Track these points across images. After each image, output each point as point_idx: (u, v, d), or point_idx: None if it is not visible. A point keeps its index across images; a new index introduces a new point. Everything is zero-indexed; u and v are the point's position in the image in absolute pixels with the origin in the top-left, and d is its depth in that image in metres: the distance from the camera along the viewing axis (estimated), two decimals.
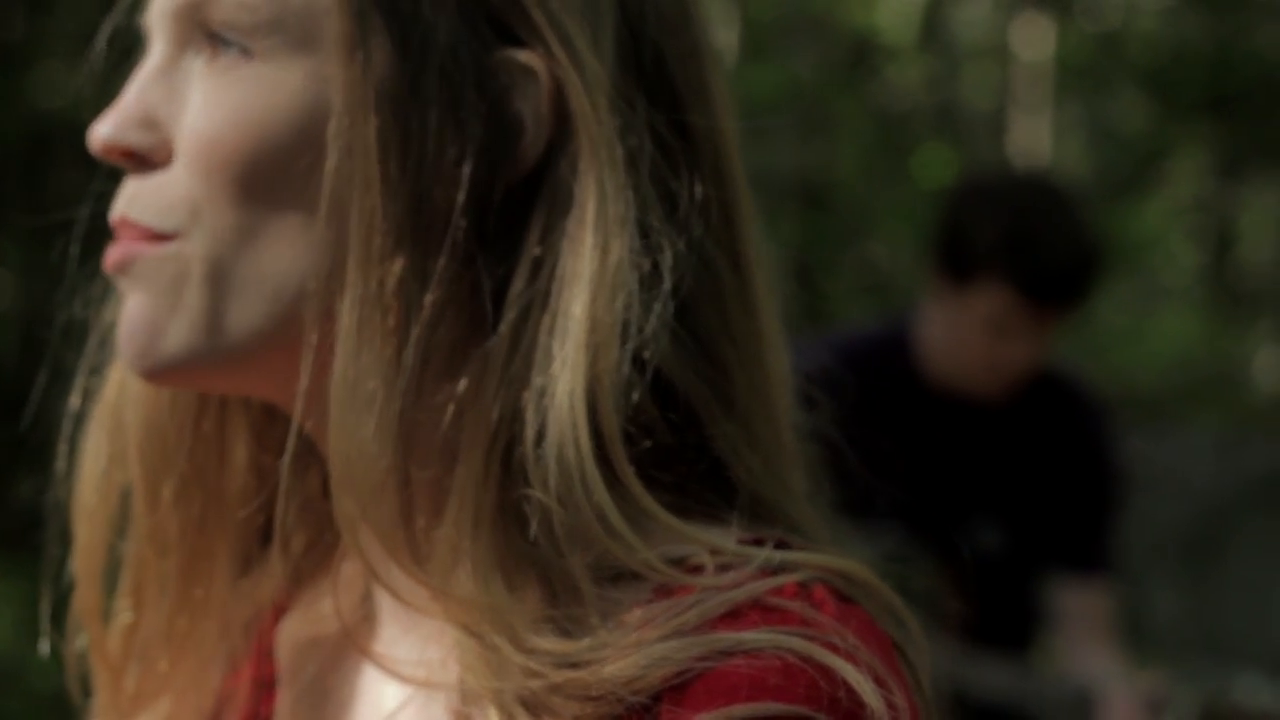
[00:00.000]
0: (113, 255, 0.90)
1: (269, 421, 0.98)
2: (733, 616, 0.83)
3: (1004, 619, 3.43)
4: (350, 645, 0.97)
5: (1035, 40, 13.97)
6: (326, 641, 0.99)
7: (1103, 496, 3.38)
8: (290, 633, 1.02)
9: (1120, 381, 13.71)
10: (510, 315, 0.85)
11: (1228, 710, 2.94)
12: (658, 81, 0.89)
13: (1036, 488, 3.34)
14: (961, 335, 3.17)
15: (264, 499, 0.99)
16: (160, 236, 0.88)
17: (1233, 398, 14.22)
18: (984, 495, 3.36)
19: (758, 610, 0.83)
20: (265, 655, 1.03)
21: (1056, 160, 15.11)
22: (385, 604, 0.95)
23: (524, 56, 0.86)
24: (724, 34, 10.03)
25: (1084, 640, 3.34)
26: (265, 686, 1.02)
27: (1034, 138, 14.02)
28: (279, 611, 1.04)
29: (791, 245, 9.74)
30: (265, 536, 1.01)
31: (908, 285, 12.95)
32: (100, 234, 0.93)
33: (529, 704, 0.82)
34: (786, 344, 0.96)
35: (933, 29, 9.17)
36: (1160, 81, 12.29)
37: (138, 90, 0.90)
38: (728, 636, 0.81)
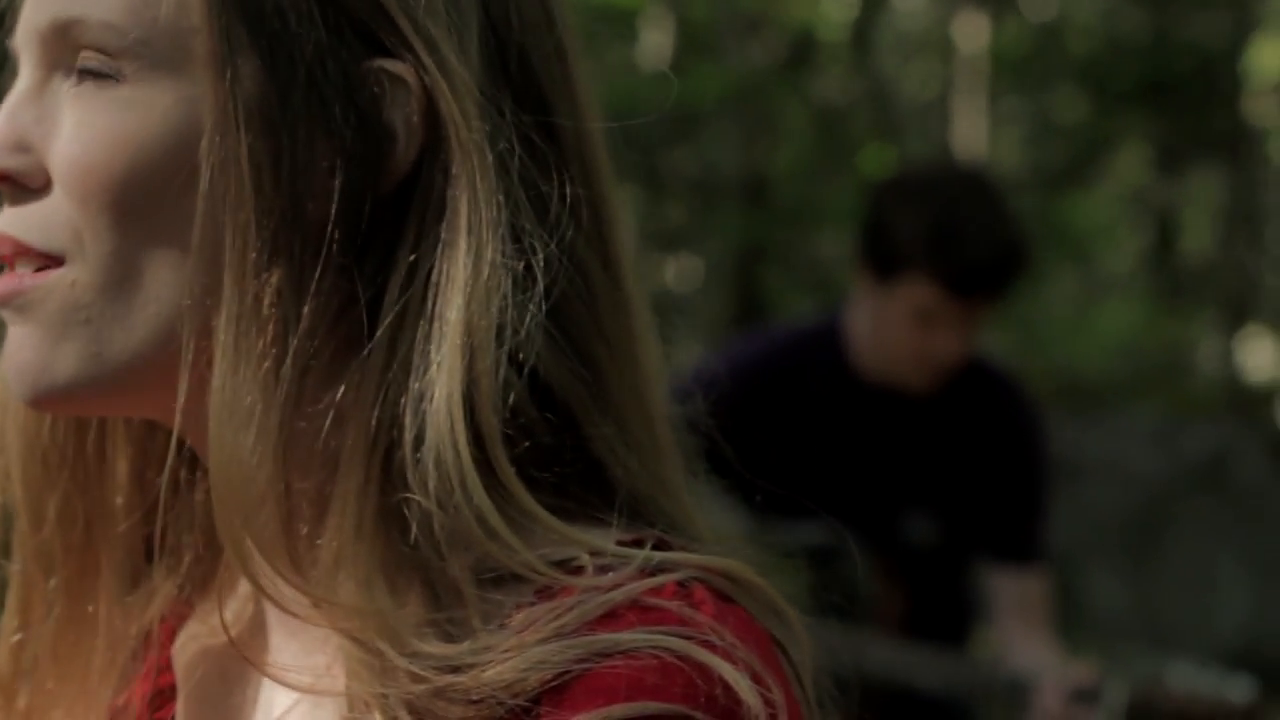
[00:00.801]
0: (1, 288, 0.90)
1: (151, 436, 0.98)
2: (611, 618, 0.83)
3: (938, 610, 3.45)
4: (242, 655, 0.96)
5: (972, 33, 14.03)
6: (221, 652, 0.99)
7: (1034, 486, 3.39)
8: (186, 644, 1.02)
9: (1064, 370, 13.79)
10: (387, 323, 0.85)
11: (1161, 697, 2.96)
12: (524, 85, 0.89)
13: (968, 479, 3.35)
14: (888, 329, 3.19)
15: (149, 513, 0.99)
16: (46, 258, 0.88)
17: (1176, 385, 14.30)
18: (916, 487, 3.37)
19: (636, 611, 0.83)
20: (163, 667, 1.02)
21: (995, 153, 15.20)
22: (273, 613, 0.94)
23: (392, 66, 0.86)
24: (659, 35, 10.05)
25: (1019, 630, 3.34)
26: (163, 698, 1.02)
27: (972, 131, 14.09)
28: (176, 623, 1.04)
29: (735, 242, 9.77)
30: (154, 550, 1.02)
31: (849, 280, 13.00)
32: None
33: (413, 709, 0.82)
34: (657, 341, 0.96)
35: (871, 24, 9.22)
36: (1096, 72, 12.34)
37: (8, 114, 0.90)
38: (606, 638, 0.81)
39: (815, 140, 12.02)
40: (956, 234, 3.07)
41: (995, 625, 3.42)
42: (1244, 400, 14.10)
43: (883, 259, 3.17)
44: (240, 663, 0.96)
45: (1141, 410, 7.99)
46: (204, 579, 1.02)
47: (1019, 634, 3.33)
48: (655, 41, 10.00)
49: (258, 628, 0.97)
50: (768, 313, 11.72)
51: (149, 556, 1.02)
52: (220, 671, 0.99)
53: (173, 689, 1.01)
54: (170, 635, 1.03)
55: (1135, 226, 19.07)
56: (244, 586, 0.97)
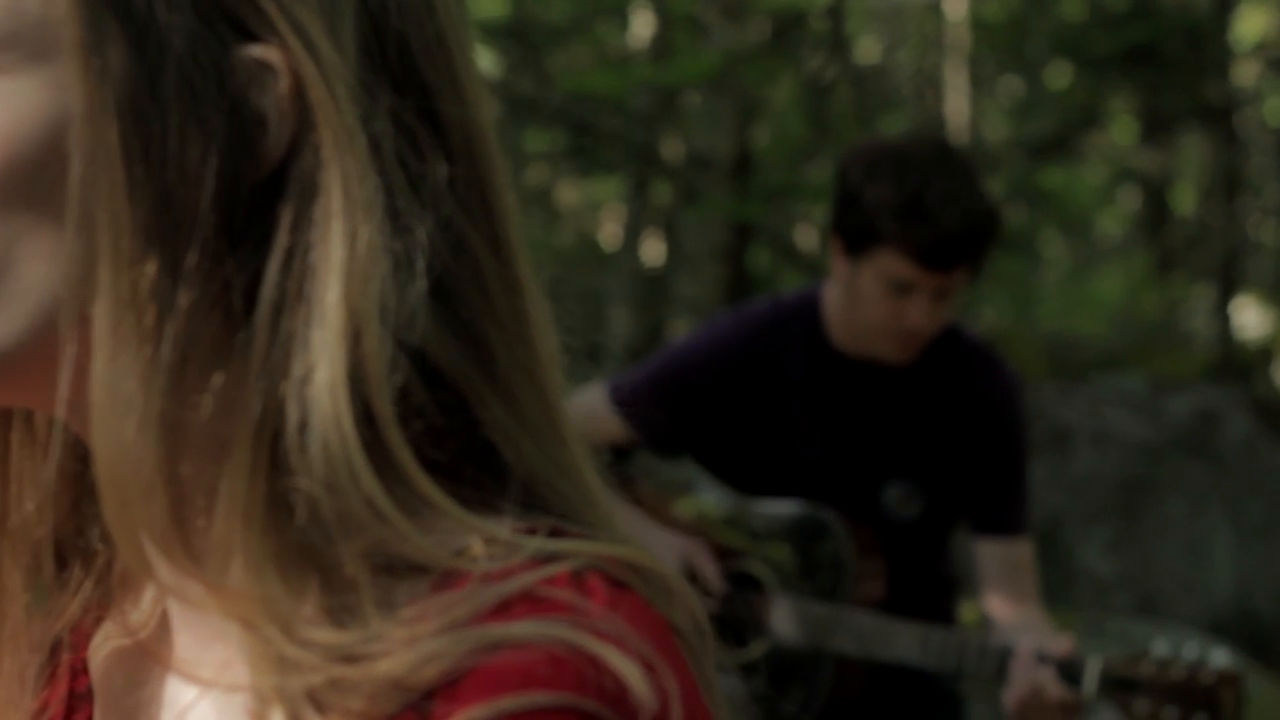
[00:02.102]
0: None
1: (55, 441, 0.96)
2: (503, 609, 0.82)
3: (919, 583, 3.46)
4: (153, 652, 0.97)
5: (956, 4, 14.04)
6: (134, 651, 0.98)
7: (1014, 456, 3.38)
8: (101, 645, 1.01)
9: (1055, 338, 13.80)
10: (265, 308, 0.85)
11: (1139, 668, 2.97)
12: (403, 71, 0.89)
13: (948, 450, 3.36)
14: (862, 301, 3.20)
15: (56, 516, 0.99)
16: None
17: (1167, 350, 14.30)
18: (896, 459, 3.38)
19: (527, 601, 0.82)
20: (78, 670, 1.02)
21: (981, 123, 15.20)
22: (176, 609, 0.94)
23: (261, 51, 0.86)
24: (644, 20, 10.06)
25: (1005, 602, 3.35)
26: (81, 699, 1.01)
27: (956, 100, 14.11)
28: (92, 625, 1.02)
29: (726, 222, 9.79)
30: (61, 553, 1.02)
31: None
32: None
33: (315, 701, 0.82)
34: (552, 324, 0.96)
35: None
36: (1080, 40, 12.35)
37: None
38: (496, 630, 0.81)
39: (801, 119, 12.05)
40: (926, 205, 3.07)
41: (981, 597, 3.40)
42: (1234, 364, 14.14)
43: (854, 232, 3.18)
44: (147, 660, 0.97)
45: (1130, 376, 7.99)
46: (118, 579, 1.02)
47: (1005, 606, 3.34)
48: (642, 25, 10.01)
49: (165, 625, 0.96)
50: (757, 291, 11.78)
51: (63, 557, 1.01)
52: (133, 671, 0.98)
53: (89, 691, 1.01)
54: (87, 637, 1.02)
55: (1124, 194, 19.08)
56: (152, 586, 0.97)
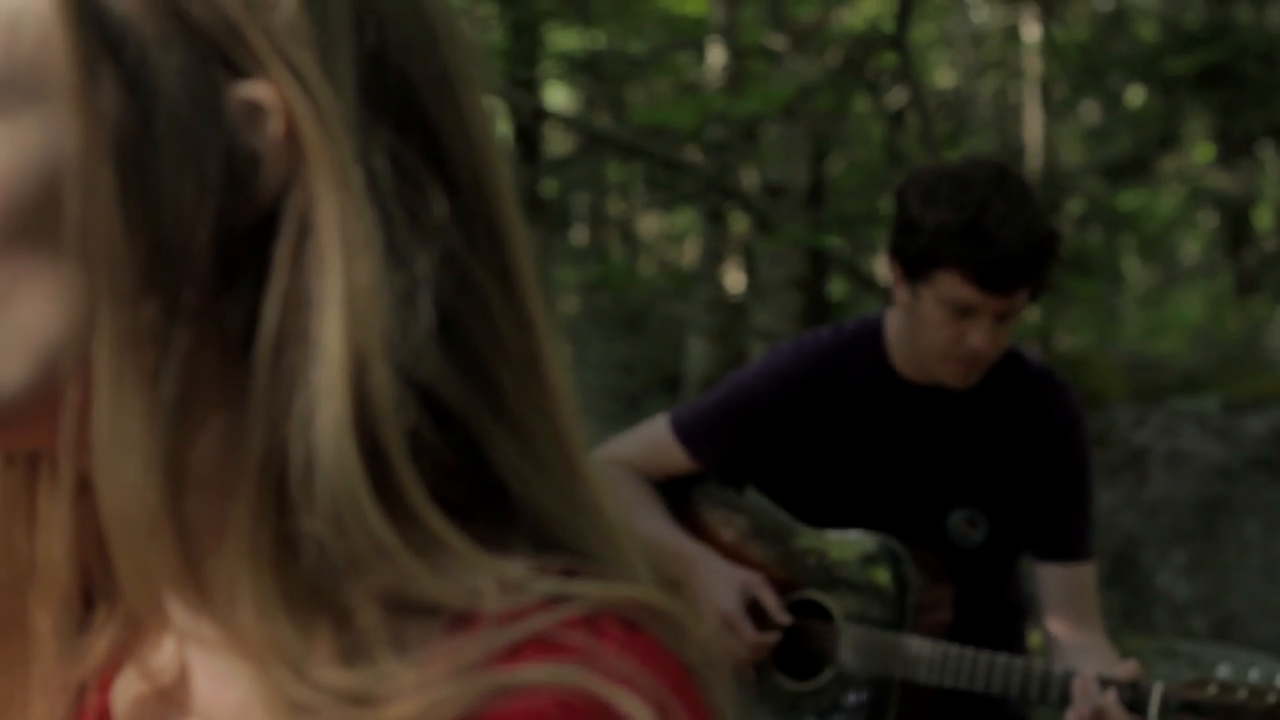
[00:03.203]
0: None
1: (79, 484, 0.95)
2: (515, 653, 0.81)
3: (985, 610, 3.44)
4: (173, 696, 0.96)
5: (1031, 28, 14.01)
6: (153, 694, 0.98)
7: (1077, 482, 3.35)
8: (124, 688, 1.00)
9: (1135, 359, 13.70)
10: (264, 347, 0.84)
11: (1204, 692, 2.95)
12: (405, 108, 0.88)
13: (1011, 476, 3.34)
14: (923, 326, 3.19)
15: (83, 559, 0.98)
16: None
17: (1246, 372, 14.17)
18: (960, 485, 3.37)
19: (539, 645, 0.81)
20: (101, 714, 1.00)
21: (1058, 146, 15.13)
22: (193, 652, 0.93)
23: (255, 90, 0.85)
24: (717, 54, 10.08)
25: (1069, 629, 3.34)
26: None
27: (1031, 124, 14.06)
28: (114, 668, 1.01)
29: (802, 250, 9.80)
30: (88, 595, 1.00)
31: None
32: None
33: None
34: (566, 361, 0.95)
35: (911, 24, 9.27)
36: (1157, 61, 12.29)
37: None
38: (508, 674, 0.79)
39: (876, 147, 12.04)
40: (985, 228, 3.04)
41: (1043, 622, 3.38)
42: None
43: (913, 256, 3.15)
44: (167, 704, 0.96)
45: (1208, 397, 7.94)
46: (140, 623, 1.00)
47: (1068, 631, 3.32)
48: (715, 56, 10.03)
49: (184, 668, 0.95)
50: (835, 319, 11.77)
51: (85, 600, 1.00)
52: (150, 714, 0.97)
53: None
54: (110, 680, 1.01)
55: (1204, 215, 18.93)
56: (172, 628, 0.96)
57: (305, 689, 0.81)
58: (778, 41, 9.22)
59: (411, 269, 0.85)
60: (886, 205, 10.89)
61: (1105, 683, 2.99)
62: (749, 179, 10.38)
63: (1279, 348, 16.59)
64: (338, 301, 0.83)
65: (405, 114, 0.88)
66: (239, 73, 0.85)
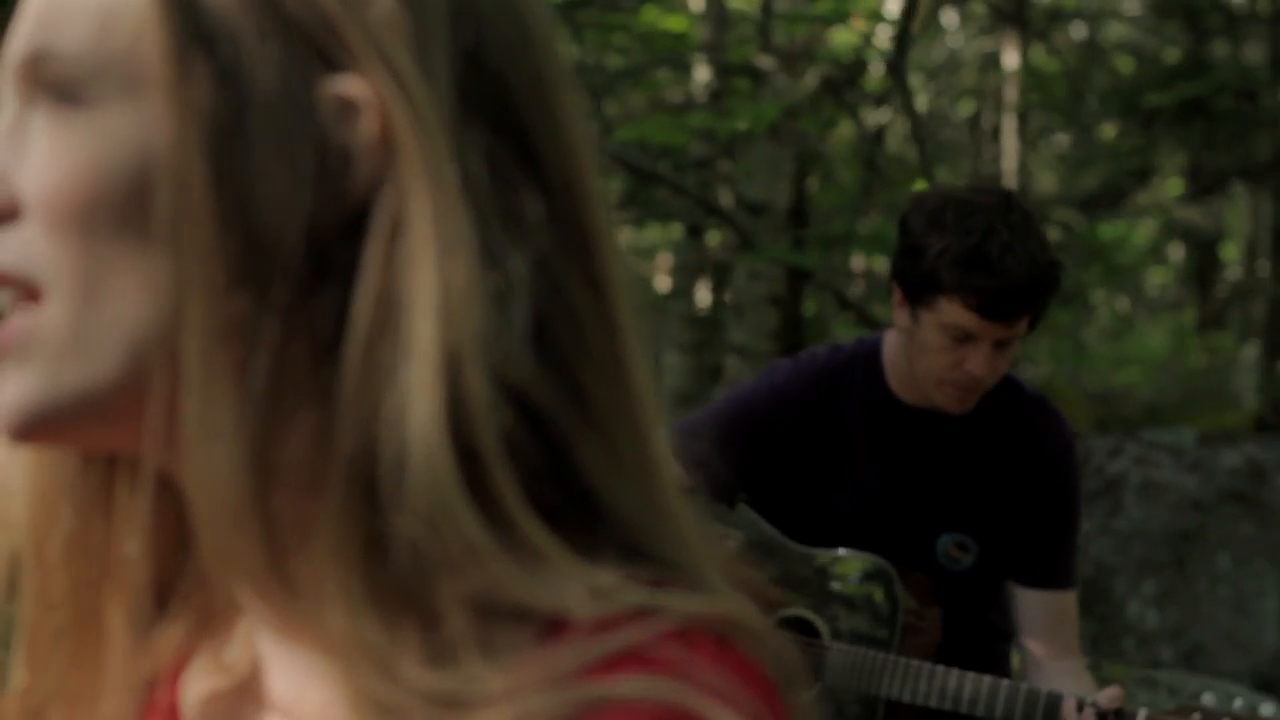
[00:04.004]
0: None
1: (158, 482, 0.94)
2: (609, 665, 0.79)
3: (973, 632, 3.46)
4: (249, 693, 0.95)
5: (1008, 57, 14.07)
6: (227, 690, 0.97)
7: (1069, 510, 3.37)
8: (194, 684, 1.00)
9: (1101, 391, 13.77)
10: (354, 344, 0.82)
11: None
12: (500, 110, 0.87)
13: (1001, 502, 3.35)
14: (922, 350, 3.19)
15: (158, 556, 0.97)
16: (22, 286, 0.87)
17: (1213, 405, 14.24)
18: (952, 509, 3.38)
19: (633, 658, 0.79)
20: (169, 708, 1.00)
21: (1031, 176, 15.18)
22: (272, 648, 0.92)
23: (350, 84, 0.84)
24: (703, 70, 10.10)
25: (1047, 655, 3.36)
26: None
27: (1008, 151, 14.11)
28: (182, 662, 1.01)
29: (781, 269, 9.83)
30: (161, 592, 0.99)
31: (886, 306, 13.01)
32: None
33: None
34: (651, 368, 0.93)
35: (906, 51, 9.31)
36: (1131, 93, 12.35)
37: None
38: (602, 687, 0.78)
39: (855, 168, 12.07)
40: (989, 256, 3.04)
41: (1023, 649, 3.40)
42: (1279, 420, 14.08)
43: (915, 281, 3.15)
44: (242, 700, 0.96)
45: (1178, 430, 7.99)
46: (209, 617, 1.00)
47: (1048, 657, 3.34)
48: (701, 73, 10.05)
49: (262, 664, 0.95)
50: (809, 337, 11.79)
51: (159, 597, 1.00)
52: (230, 710, 0.97)
53: None
54: (177, 674, 1.01)
55: (1172, 249, 19.01)
56: (247, 624, 0.97)
57: (392, 689, 0.80)
58: (766, 61, 9.25)
59: (505, 270, 0.84)
60: (863, 226, 10.95)
61: (1092, 707, 3.01)
62: (725, 197, 10.40)
63: (1242, 383, 16.67)
64: (431, 301, 0.82)
65: (500, 114, 0.87)
66: (333, 68, 0.85)
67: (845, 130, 12.06)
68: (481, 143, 0.86)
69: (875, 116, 11.87)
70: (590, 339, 0.88)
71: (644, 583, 0.84)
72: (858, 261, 13.52)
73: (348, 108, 0.85)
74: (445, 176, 0.83)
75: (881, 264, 13.87)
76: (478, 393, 0.82)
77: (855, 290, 11.94)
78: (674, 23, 12.11)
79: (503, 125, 0.87)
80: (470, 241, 0.83)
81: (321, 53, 0.85)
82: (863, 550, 3.39)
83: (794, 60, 9.45)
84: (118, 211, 0.85)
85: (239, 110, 0.83)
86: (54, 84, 0.88)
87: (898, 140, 14.42)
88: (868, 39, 9.75)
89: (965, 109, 17.45)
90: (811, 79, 10.35)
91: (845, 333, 11.34)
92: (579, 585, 0.83)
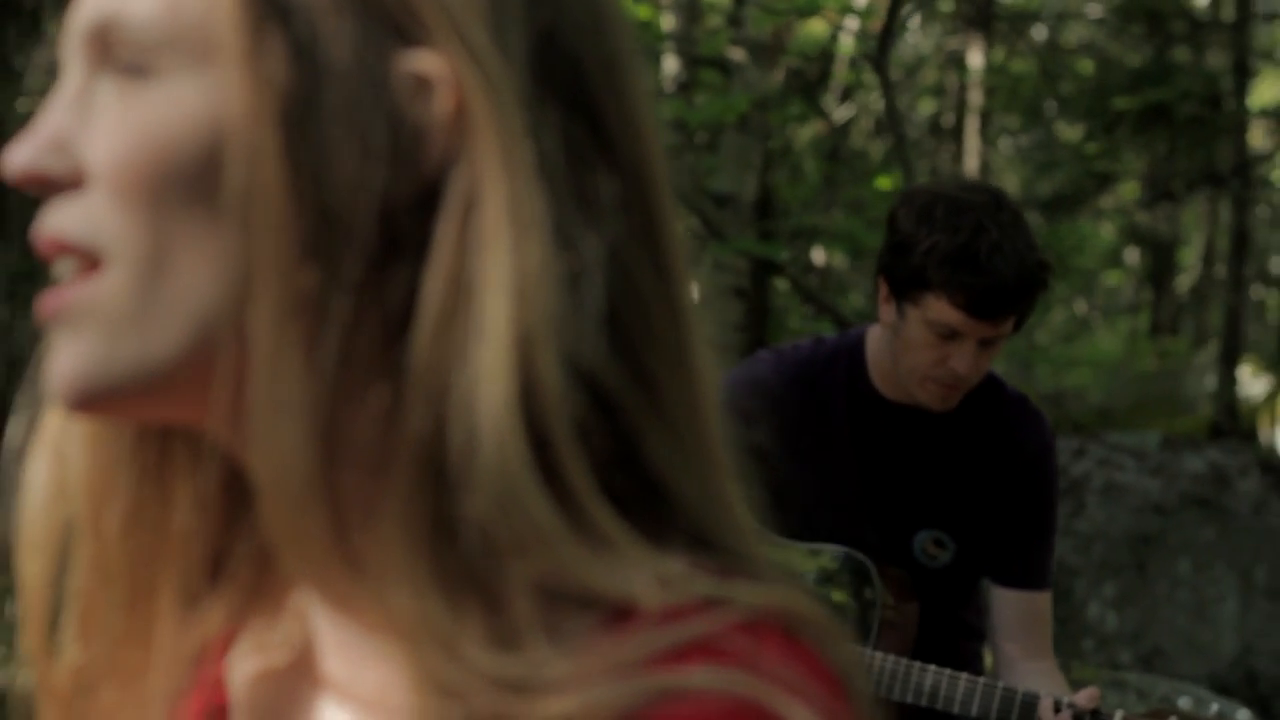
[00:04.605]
0: (50, 303, 0.88)
1: (211, 455, 0.94)
2: (678, 655, 0.78)
3: (948, 630, 3.47)
4: (301, 672, 0.95)
5: (972, 58, 14.11)
6: (278, 669, 0.97)
7: (1046, 511, 3.38)
8: (239, 661, 1.00)
9: (1059, 394, 13.84)
10: (426, 324, 0.82)
11: None
12: (574, 91, 0.86)
13: (980, 500, 3.36)
14: (907, 346, 3.19)
15: (209, 532, 0.97)
16: (86, 256, 0.86)
17: (1170, 409, 14.32)
18: (931, 506, 3.38)
19: (703, 648, 0.78)
20: (215, 684, 1.00)
21: (990, 177, 15.23)
22: (330, 627, 0.91)
23: (426, 60, 0.83)
24: (672, 61, 10.10)
25: (1021, 654, 3.36)
26: (217, 714, 1.00)
27: (970, 151, 14.16)
28: (226, 641, 1.01)
29: (746, 260, 9.84)
30: (212, 568, 0.99)
31: (852, 298, 13.05)
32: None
33: None
34: (715, 356, 0.92)
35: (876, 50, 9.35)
36: (1095, 94, 12.40)
37: (51, 116, 0.89)
38: (672, 677, 0.77)
39: (818, 164, 12.10)
40: (978, 254, 3.04)
41: (996, 648, 3.40)
42: (1236, 426, 14.17)
43: (903, 277, 3.14)
44: (295, 679, 0.96)
45: (1137, 433, 8.03)
46: (257, 595, 1.00)
47: (1022, 657, 3.35)
48: (670, 64, 10.06)
49: (316, 643, 0.94)
50: (773, 328, 11.81)
51: (207, 573, 0.99)
52: (281, 689, 0.97)
53: (224, 707, 1.00)
54: (222, 650, 1.01)
55: (1129, 253, 19.12)
56: (297, 602, 0.97)
57: (457, 671, 0.79)
58: (736, 53, 9.25)
59: (578, 252, 0.83)
60: (825, 221, 10.97)
61: (1069, 708, 3.01)
62: (696, 187, 10.41)
63: (1197, 387, 16.79)
64: (505, 281, 0.81)
65: (574, 95, 0.86)
66: (408, 43, 0.84)
67: (809, 125, 12.07)
68: (556, 122, 0.85)
69: (840, 112, 11.89)
70: (657, 325, 0.87)
71: (711, 572, 0.83)
72: (817, 255, 13.57)
73: (422, 84, 0.83)
74: (520, 155, 0.82)
75: (839, 259, 13.91)
76: (550, 376, 0.81)
77: (814, 283, 11.96)
78: (640, 11, 12.11)
79: (577, 105, 0.86)
80: (545, 222, 0.82)
81: (397, 28, 0.84)
82: (841, 544, 3.39)
83: (765, 53, 9.44)
84: (186, 184, 0.84)
85: (313, 84, 0.82)
86: (123, 53, 0.87)
87: (861, 136, 14.45)
88: (835, 33, 9.77)
89: (925, 109, 17.50)
90: (779, 72, 10.36)
91: (808, 326, 11.34)
92: (647, 573, 0.81)
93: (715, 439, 0.90)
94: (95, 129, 0.87)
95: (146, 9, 0.85)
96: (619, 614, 0.81)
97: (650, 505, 0.85)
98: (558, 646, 0.80)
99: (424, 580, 0.81)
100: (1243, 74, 13.67)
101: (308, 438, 0.82)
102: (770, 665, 0.78)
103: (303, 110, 0.82)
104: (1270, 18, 16.96)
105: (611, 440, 0.84)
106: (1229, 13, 14.81)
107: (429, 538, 0.81)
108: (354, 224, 0.82)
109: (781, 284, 11.32)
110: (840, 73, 11.54)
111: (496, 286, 0.81)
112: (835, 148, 11.34)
